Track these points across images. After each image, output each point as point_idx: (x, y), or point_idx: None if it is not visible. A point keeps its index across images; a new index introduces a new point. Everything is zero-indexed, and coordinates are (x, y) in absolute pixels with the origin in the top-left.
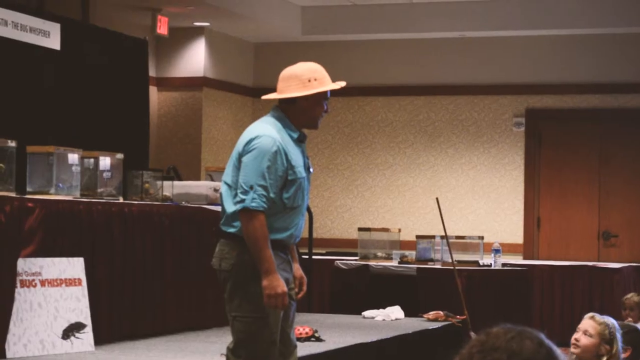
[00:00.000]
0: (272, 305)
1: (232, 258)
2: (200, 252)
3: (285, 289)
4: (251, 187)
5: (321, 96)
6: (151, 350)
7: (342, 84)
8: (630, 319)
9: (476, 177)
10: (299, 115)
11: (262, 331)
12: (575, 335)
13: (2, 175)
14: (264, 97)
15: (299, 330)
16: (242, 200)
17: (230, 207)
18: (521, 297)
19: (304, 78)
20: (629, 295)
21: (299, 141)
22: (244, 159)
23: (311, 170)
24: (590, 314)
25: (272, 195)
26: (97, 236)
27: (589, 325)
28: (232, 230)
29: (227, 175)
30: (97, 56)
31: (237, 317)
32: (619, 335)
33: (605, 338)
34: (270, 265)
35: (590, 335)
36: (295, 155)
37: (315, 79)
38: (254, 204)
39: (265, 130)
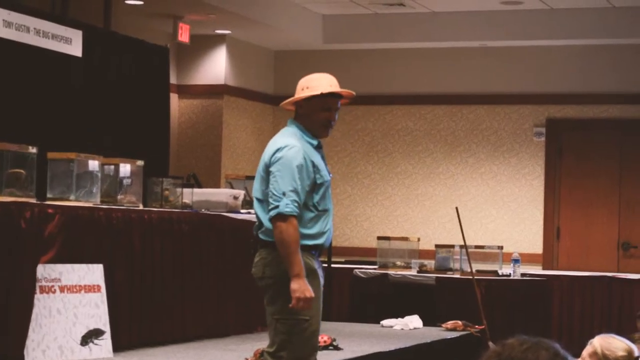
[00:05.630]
0: (300, 307)
1: (277, 264)
2: (220, 259)
3: (313, 294)
4: (283, 194)
5: (316, 103)
6: (169, 358)
7: (328, 89)
8: None
9: (496, 186)
10: (305, 122)
11: (304, 333)
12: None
13: (23, 182)
14: (281, 104)
15: (323, 337)
16: (276, 207)
17: (264, 218)
18: (540, 308)
19: (299, 88)
20: None
21: (318, 147)
22: (272, 168)
23: (330, 175)
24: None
25: (302, 200)
26: (116, 243)
27: (585, 350)
28: (271, 239)
29: (257, 190)
30: (119, 63)
31: (280, 320)
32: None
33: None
34: (301, 269)
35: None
36: (318, 161)
37: (307, 87)
38: (287, 209)
39: (289, 141)
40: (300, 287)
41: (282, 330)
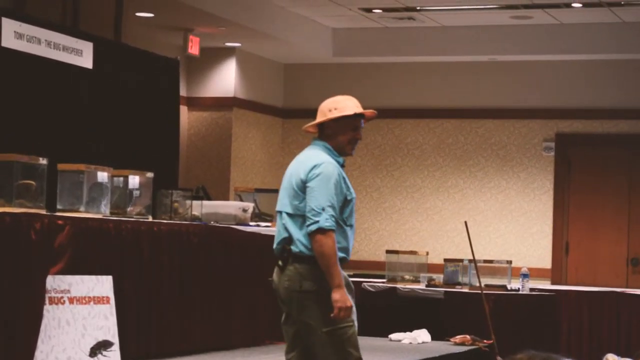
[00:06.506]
0: (341, 317)
1: (316, 278)
2: (228, 271)
3: (352, 303)
4: (323, 209)
5: (345, 123)
6: None
7: (357, 110)
8: None
9: (505, 201)
10: (332, 142)
11: (354, 336)
12: None
13: (33, 193)
14: (303, 127)
15: None
16: (316, 222)
17: (298, 233)
18: (549, 322)
19: (325, 109)
20: None
21: (342, 166)
22: (311, 184)
23: None
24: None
25: (337, 215)
26: (125, 254)
27: None
28: (310, 252)
29: (286, 205)
30: (129, 75)
31: (333, 330)
32: None
33: None
34: (341, 280)
35: None
36: (346, 178)
37: (335, 109)
38: (327, 224)
39: (325, 158)
40: (342, 297)
41: (337, 339)
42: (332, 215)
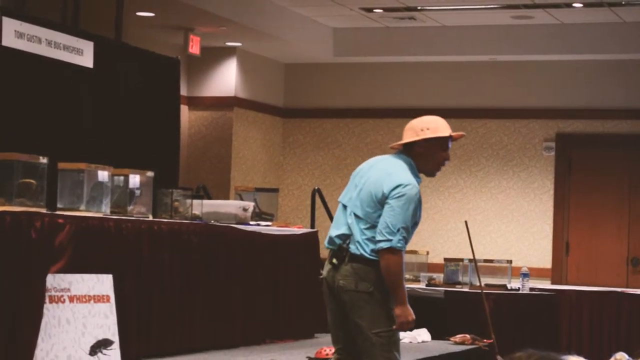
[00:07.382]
0: (403, 330)
1: (371, 280)
2: (228, 270)
3: (414, 316)
4: (398, 230)
5: (437, 143)
6: None
7: (450, 131)
8: None
9: (505, 201)
10: (418, 161)
11: (399, 340)
12: None
13: (34, 192)
14: (391, 145)
15: (325, 351)
16: (390, 240)
17: (362, 235)
18: (549, 322)
19: (418, 128)
20: None
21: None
22: (392, 202)
23: None
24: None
25: (408, 237)
26: (126, 253)
27: None
28: (369, 256)
29: (356, 207)
30: (130, 74)
31: (380, 333)
32: None
33: None
34: (405, 296)
35: None
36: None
37: (427, 129)
38: (399, 245)
39: (410, 179)
40: (404, 312)
41: (383, 342)
42: (405, 237)
